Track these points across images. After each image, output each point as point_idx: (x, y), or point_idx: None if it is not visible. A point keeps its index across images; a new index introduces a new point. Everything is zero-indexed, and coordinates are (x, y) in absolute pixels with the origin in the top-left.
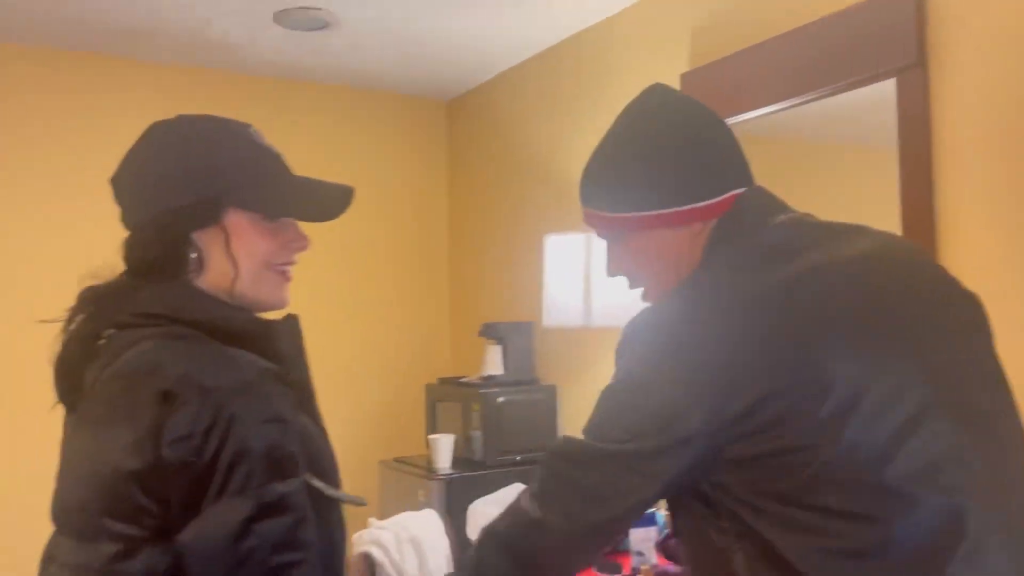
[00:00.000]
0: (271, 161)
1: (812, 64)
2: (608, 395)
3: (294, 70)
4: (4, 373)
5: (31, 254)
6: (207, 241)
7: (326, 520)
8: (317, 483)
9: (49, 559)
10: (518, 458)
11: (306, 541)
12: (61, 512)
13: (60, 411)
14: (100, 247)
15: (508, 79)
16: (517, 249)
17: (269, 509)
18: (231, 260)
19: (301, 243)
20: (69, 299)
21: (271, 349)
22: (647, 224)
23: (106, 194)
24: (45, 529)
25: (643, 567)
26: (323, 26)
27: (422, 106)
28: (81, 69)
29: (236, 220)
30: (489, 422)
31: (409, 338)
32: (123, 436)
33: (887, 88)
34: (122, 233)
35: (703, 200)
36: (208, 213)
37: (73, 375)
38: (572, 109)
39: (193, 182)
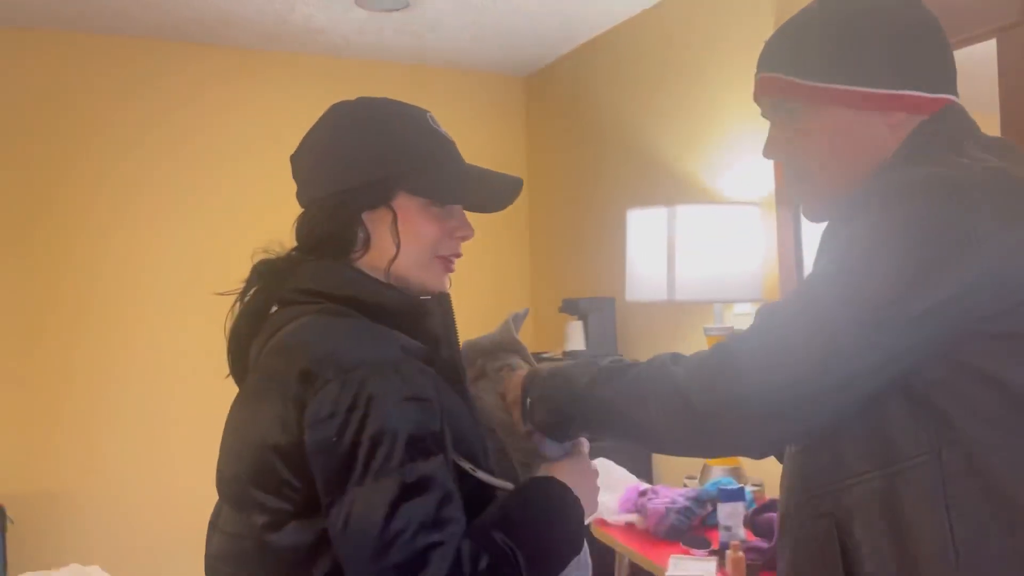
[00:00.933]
0: (444, 148)
1: None
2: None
3: (375, 50)
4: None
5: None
6: (376, 221)
7: (475, 500)
8: (464, 463)
9: (212, 526)
10: None
11: (452, 519)
12: (221, 481)
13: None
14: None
15: (586, 53)
16: (598, 224)
17: (413, 489)
18: (395, 239)
19: (466, 232)
20: (232, 276)
21: (422, 328)
22: (850, 100)
23: (217, 175)
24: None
25: (732, 542)
26: (403, 6)
27: (500, 82)
28: (171, 58)
29: (406, 204)
30: None
31: (491, 315)
32: (272, 410)
33: (988, 48)
34: (272, 211)
35: (916, 90)
36: (379, 194)
37: (242, 349)
38: (653, 81)
39: (367, 164)
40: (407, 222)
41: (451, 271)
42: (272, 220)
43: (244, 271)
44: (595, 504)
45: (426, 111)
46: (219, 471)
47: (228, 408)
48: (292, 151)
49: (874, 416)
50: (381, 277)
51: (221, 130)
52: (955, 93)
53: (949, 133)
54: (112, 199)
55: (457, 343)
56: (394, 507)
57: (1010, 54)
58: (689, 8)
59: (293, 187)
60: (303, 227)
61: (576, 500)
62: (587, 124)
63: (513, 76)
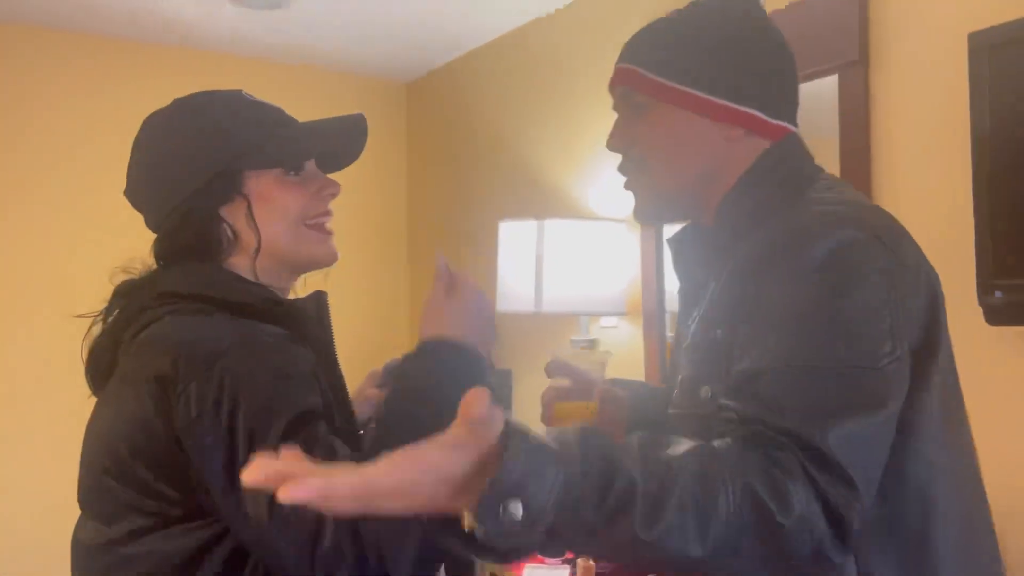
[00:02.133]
0: (273, 114)
1: None
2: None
3: (249, 48)
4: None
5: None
6: (235, 214)
7: None
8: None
9: (76, 540)
10: None
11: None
12: (84, 493)
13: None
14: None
15: (470, 61)
16: (473, 234)
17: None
18: (252, 227)
19: (331, 189)
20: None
21: (293, 327)
22: (692, 104)
23: (76, 172)
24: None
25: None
26: (278, 5)
27: (382, 87)
28: (34, 43)
29: (258, 183)
30: None
31: (367, 323)
32: (131, 412)
33: (830, 82)
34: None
35: (757, 110)
36: (227, 184)
37: (101, 363)
38: (531, 95)
39: (203, 158)
40: (265, 201)
41: (330, 233)
42: (128, 221)
43: (94, 277)
44: (492, 332)
45: (239, 89)
46: (82, 483)
47: (82, 429)
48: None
49: None
50: (263, 268)
51: (75, 122)
52: (795, 124)
53: (797, 162)
54: None
55: (332, 344)
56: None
57: (849, 90)
58: (565, 25)
59: None
60: (163, 243)
61: (473, 355)
62: (466, 134)
63: (396, 81)
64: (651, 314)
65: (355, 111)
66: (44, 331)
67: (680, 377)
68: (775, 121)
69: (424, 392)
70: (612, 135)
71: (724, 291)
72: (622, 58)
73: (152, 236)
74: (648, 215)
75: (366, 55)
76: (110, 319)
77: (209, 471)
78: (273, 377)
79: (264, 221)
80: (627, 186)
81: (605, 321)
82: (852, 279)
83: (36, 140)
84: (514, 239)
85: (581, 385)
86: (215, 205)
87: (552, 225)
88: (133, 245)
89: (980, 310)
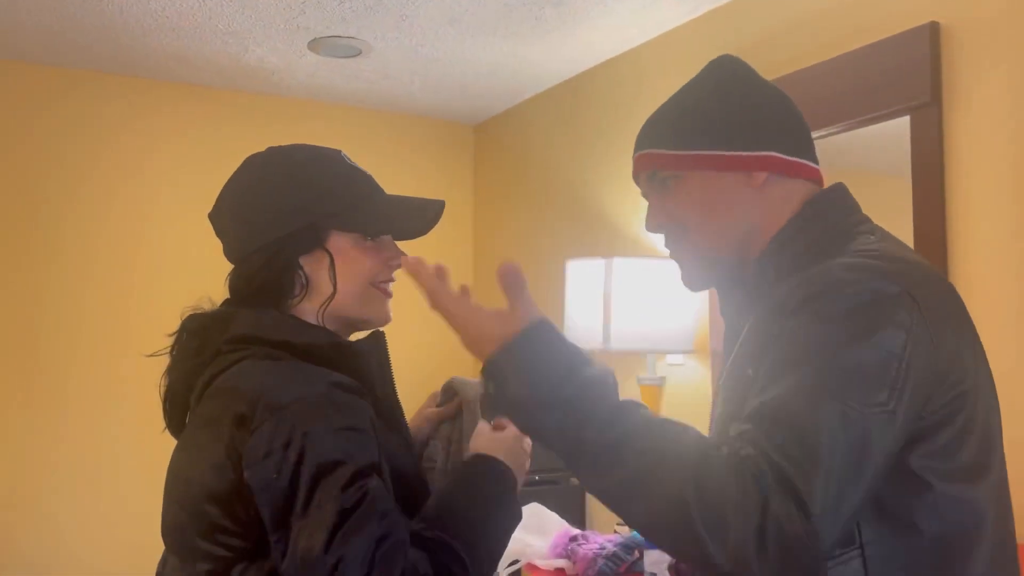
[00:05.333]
0: (365, 182)
1: (830, 99)
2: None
3: (327, 94)
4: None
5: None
6: (313, 265)
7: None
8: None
9: None
10: (536, 478)
11: (392, 531)
12: (165, 531)
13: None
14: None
15: (534, 105)
16: (540, 272)
17: (351, 514)
18: (332, 280)
19: (398, 260)
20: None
21: (355, 368)
22: (711, 164)
23: (155, 211)
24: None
25: None
26: (356, 54)
27: (450, 130)
28: (129, 92)
29: (339, 242)
30: None
31: (432, 359)
32: (208, 457)
33: (903, 122)
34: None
35: (772, 150)
36: (313, 237)
37: (179, 404)
38: (596, 137)
39: (296, 210)
40: (343, 260)
41: (390, 296)
42: (213, 262)
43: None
44: (525, 468)
45: (339, 150)
46: (163, 521)
47: (166, 461)
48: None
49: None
50: (329, 319)
51: (169, 166)
52: (813, 159)
53: (840, 214)
54: (55, 235)
55: (392, 381)
56: (333, 533)
57: (922, 132)
58: (628, 70)
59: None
60: (239, 279)
61: (508, 473)
62: (532, 174)
63: (463, 124)
64: (718, 352)
65: (425, 152)
66: (115, 367)
67: (714, 415)
68: (794, 159)
69: (476, 495)
70: (648, 217)
71: (755, 331)
72: (637, 148)
73: (216, 268)
74: (695, 280)
75: (435, 100)
76: (182, 360)
77: (267, 506)
78: (342, 428)
79: (339, 277)
80: (672, 256)
81: (672, 359)
82: (872, 329)
83: (125, 183)
84: (582, 278)
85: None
86: (298, 253)
87: (619, 263)
88: (203, 284)
89: None
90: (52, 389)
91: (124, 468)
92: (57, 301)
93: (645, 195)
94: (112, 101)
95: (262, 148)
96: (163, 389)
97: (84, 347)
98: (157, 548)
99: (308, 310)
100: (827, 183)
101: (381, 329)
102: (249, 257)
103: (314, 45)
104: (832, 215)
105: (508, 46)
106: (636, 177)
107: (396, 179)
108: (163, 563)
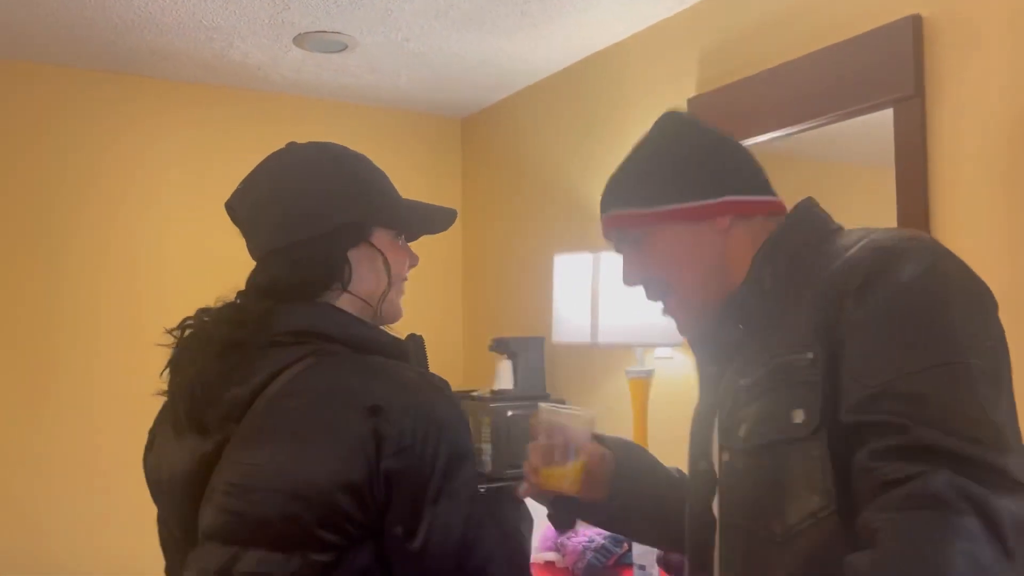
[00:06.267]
0: (392, 185)
1: (814, 93)
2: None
3: (313, 89)
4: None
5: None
6: (359, 258)
7: None
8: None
9: (226, 571)
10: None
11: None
12: (254, 525)
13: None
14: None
15: (521, 99)
16: (528, 266)
17: (480, 499)
18: (383, 275)
19: (415, 259)
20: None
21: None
22: (673, 217)
23: (140, 208)
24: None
25: None
26: (341, 49)
27: (437, 124)
28: (110, 88)
29: (381, 238)
30: (499, 436)
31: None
32: (333, 451)
33: (886, 115)
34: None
35: (731, 195)
36: (360, 232)
37: (212, 396)
38: (582, 130)
39: (347, 203)
40: (385, 256)
41: (403, 294)
42: (205, 258)
43: (171, 312)
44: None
45: (364, 155)
46: (250, 515)
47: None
48: (227, 184)
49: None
50: (366, 312)
51: (153, 162)
52: (770, 192)
53: (820, 217)
54: (31, 233)
55: None
56: (470, 518)
57: (905, 124)
58: (614, 63)
59: (224, 223)
60: (278, 270)
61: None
62: (520, 168)
63: (451, 117)
64: None
65: (412, 147)
66: (105, 367)
67: (743, 411)
68: (751, 197)
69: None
70: (624, 273)
71: (807, 316)
72: (603, 209)
73: (200, 262)
74: (690, 329)
75: (422, 94)
76: (208, 354)
77: (405, 493)
78: (462, 419)
79: (379, 272)
80: (664, 312)
81: (660, 352)
82: (950, 289)
83: (113, 180)
84: (569, 272)
85: (564, 442)
86: (347, 246)
87: (607, 258)
88: (181, 280)
89: None
90: (40, 389)
91: (111, 470)
92: (36, 300)
93: (617, 251)
94: (94, 98)
95: (248, 145)
96: (179, 384)
97: (64, 346)
98: (149, 551)
99: (345, 303)
100: (814, 174)
101: (420, 335)
102: (291, 248)
103: (299, 40)
104: (812, 218)
105: (495, 40)
106: (606, 235)
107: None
108: (232, 560)
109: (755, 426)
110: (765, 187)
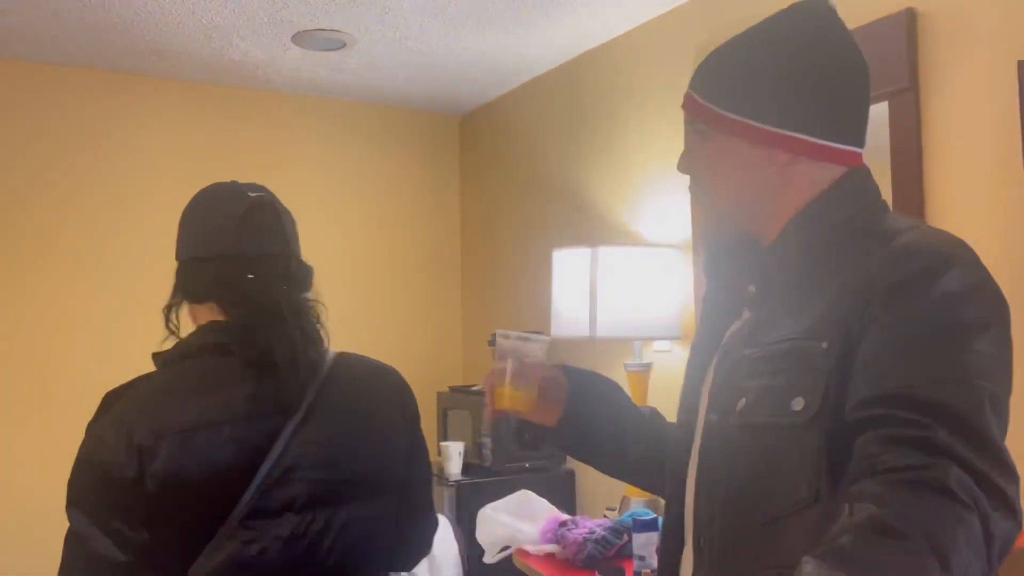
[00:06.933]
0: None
1: None
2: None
3: (312, 87)
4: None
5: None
6: None
7: None
8: None
9: (327, 526)
10: (527, 465)
11: None
12: (355, 479)
13: None
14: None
15: (519, 96)
16: (526, 262)
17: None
18: None
19: None
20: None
21: None
22: (738, 131)
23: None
24: None
25: (644, 571)
26: (340, 46)
27: (436, 121)
28: (109, 87)
29: None
30: (498, 430)
31: (421, 347)
32: (394, 421)
33: (881, 108)
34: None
35: (799, 132)
36: None
37: (303, 380)
38: (580, 126)
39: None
40: None
41: None
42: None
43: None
44: None
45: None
46: (352, 471)
47: None
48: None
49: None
50: None
51: (152, 161)
52: (855, 141)
53: (871, 194)
54: (30, 232)
55: None
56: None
57: (900, 117)
58: (610, 59)
59: None
60: (308, 270)
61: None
62: (517, 165)
63: (449, 115)
64: None
65: (411, 144)
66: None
67: (744, 383)
68: (825, 142)
69: None
70: (681, 158)
71: (829, 302)
72: (690, 84)
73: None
74: (709, 232)
75: (421, 91)
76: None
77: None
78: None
79: None
80: (696, 205)
81: (658, 345)
82: (988, 312)
83: (112, 178)
84: (568, 267)
85: (519, 366)
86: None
87: (605, 252)
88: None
89: None
90: (38, 388)
91: None
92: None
93: (685, 132)
94: (95, 97)
95: (247, 143)
96: (287, 361)
97: (63, 345)
98: None
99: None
100: None
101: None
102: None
103: (298, 38)
104: (862, 194)
105: (492, 36)
106: (683, 106)
107: (382, 171)
108: (331, 513)
109: (754, 403)
110: (848, 134)
